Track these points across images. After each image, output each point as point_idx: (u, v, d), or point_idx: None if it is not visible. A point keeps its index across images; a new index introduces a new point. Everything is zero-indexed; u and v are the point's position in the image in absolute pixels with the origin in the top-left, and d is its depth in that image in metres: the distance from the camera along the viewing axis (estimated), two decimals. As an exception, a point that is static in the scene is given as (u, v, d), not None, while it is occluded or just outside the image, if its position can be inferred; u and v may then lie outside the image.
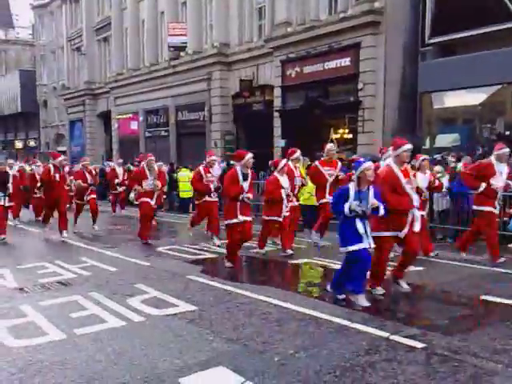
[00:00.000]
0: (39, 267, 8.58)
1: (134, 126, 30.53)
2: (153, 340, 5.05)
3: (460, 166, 11.34)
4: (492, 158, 8.57)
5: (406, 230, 6.41)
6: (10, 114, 49.63)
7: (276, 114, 20.47)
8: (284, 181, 9.26)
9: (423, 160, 8.92)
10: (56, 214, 12.07)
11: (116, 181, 17.03)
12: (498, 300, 6.32)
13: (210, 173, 11.07)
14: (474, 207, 8.77)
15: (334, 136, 18.37)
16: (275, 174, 9.40)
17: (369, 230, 6.08)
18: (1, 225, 11.54)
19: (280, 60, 20.13)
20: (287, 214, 9.39)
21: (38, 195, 14.75)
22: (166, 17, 27.24)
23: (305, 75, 19.16)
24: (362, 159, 6.62)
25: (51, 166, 11.92)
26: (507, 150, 8.55)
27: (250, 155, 8.46)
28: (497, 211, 8.64)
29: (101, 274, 8.11)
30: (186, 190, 16.91)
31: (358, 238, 5.99)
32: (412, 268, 8.18)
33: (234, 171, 8.51)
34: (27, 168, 17.26)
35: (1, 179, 11.52)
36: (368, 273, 6.37)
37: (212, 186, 10.94)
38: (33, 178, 15.17)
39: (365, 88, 17.16)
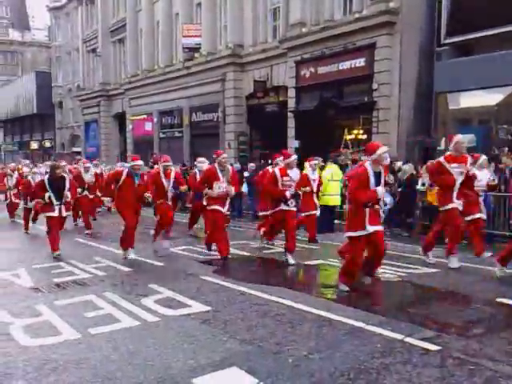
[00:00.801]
0: (55, 267, 8.66)
1: (148, 126, 30.68)
2: (166, 340, 5.06)
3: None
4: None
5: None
6: (26, 115, 50.16)
7: (290, 115, 20.43)
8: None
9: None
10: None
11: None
12: (515, 303, 6.24)
13: (287, 175, 8.95)
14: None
15: (348, 137, 18.30)
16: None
17: None
18: (54, 239, 9.75)
19: (294, 61, 20.10)
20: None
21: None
22: (181, 18, 27.33)
23: (319, 76, 19.11)
24: None
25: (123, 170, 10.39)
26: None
27: (384, 148, 6.76)
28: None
29: (115, 274, 8.15)
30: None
31: None
32: (427, 270, 8.15)
33: (363, 170, 6.72)
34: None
35: (56, 186, 9.84)
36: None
37: (288, 193, 8.88)
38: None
39: (379, 88, 17.07)
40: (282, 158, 9.76)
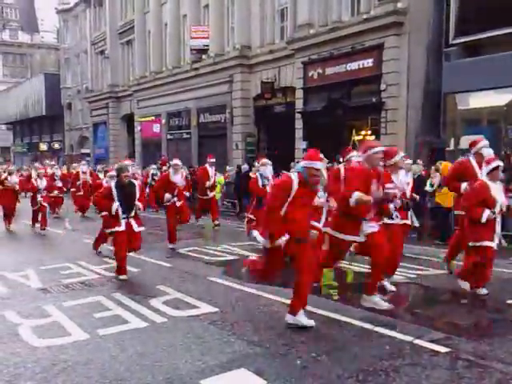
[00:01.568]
0: (63, 268, 8.68)
1: (156, 128, 30.75)
2: (175, 341, 5.06)
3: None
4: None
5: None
6: (35, 117, 50.38)
7: (298, 116, 20.40)
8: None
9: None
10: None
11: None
12: (525, 304, 6.20)
13: (391, 181, 6.67)
14: None
15: (356, 137, 18.25)
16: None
17: None
18: (121, 260, 7.97)
19: (302, 62, 20.06)
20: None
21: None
22: (189, 20, 27.36)
23: (327, 76, 19.06)
24: None
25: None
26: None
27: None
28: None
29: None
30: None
31: None
32: (436, 271, 8.10)
33: (481, 185, 6.02)
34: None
35: (125, 194, 7.94)
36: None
37: (393, 206, 6.71)
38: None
39: (388, 89, 17.00)
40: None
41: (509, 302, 6.32)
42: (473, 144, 7.52)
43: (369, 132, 18.10)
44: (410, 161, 9.21)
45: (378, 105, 17.32)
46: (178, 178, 10.74)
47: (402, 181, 7.20)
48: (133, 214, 8.00)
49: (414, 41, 16.54)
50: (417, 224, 10.02)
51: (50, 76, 49.04)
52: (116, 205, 7.83)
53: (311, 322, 5.38)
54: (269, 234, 5.36)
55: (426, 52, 16.71)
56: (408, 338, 4.99)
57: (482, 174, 6.77)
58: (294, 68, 20.82)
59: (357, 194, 5.73)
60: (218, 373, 4.30)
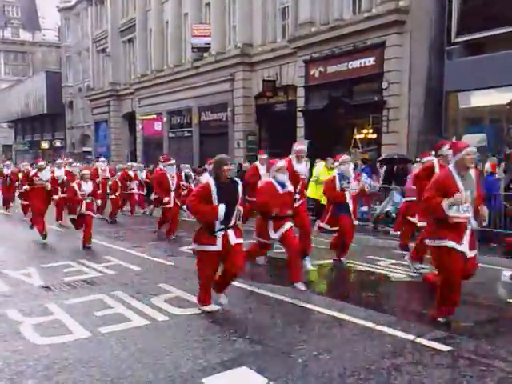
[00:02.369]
0: (65, 266, 8.69)
1: (157, 126, 30.76)
2: (176, 339, 5.07)
3: (487, 166, 11.16)
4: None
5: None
6: (37, 115, 50.41)
7: (299, 114, 20.39)
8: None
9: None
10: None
11: None
12: (527, 303, 6.19)
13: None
14: None
15: (357, 136, 18.25)
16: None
17: None
18: (206, 290, 6.09)
19: (303, 60, 20.04)
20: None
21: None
22: (190, 18, 27.35)
23: (328, 75, 19.04)
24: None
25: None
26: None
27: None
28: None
29: (125, 273, 8.17)
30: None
31: None
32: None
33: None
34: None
35: (226, 196, 5.72)
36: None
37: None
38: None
39: (389, 87, 16.98)
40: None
41: (510, 300, 6.31)
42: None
43: (370, 130, 18.10)
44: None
45: (379, 103, 17.30)
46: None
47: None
48: (232, 222, 5.88)
49: (416, 39, 16.51)
50: None
51: (51, 74, 49.07)
52: (221, 208, 5.60)
53: None
54: None
55: (428, 50, 16.68)
56: (410, 337, 4.99)
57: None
58: (295, 66, 20.81)
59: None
60: (220, 371, 4.30)
